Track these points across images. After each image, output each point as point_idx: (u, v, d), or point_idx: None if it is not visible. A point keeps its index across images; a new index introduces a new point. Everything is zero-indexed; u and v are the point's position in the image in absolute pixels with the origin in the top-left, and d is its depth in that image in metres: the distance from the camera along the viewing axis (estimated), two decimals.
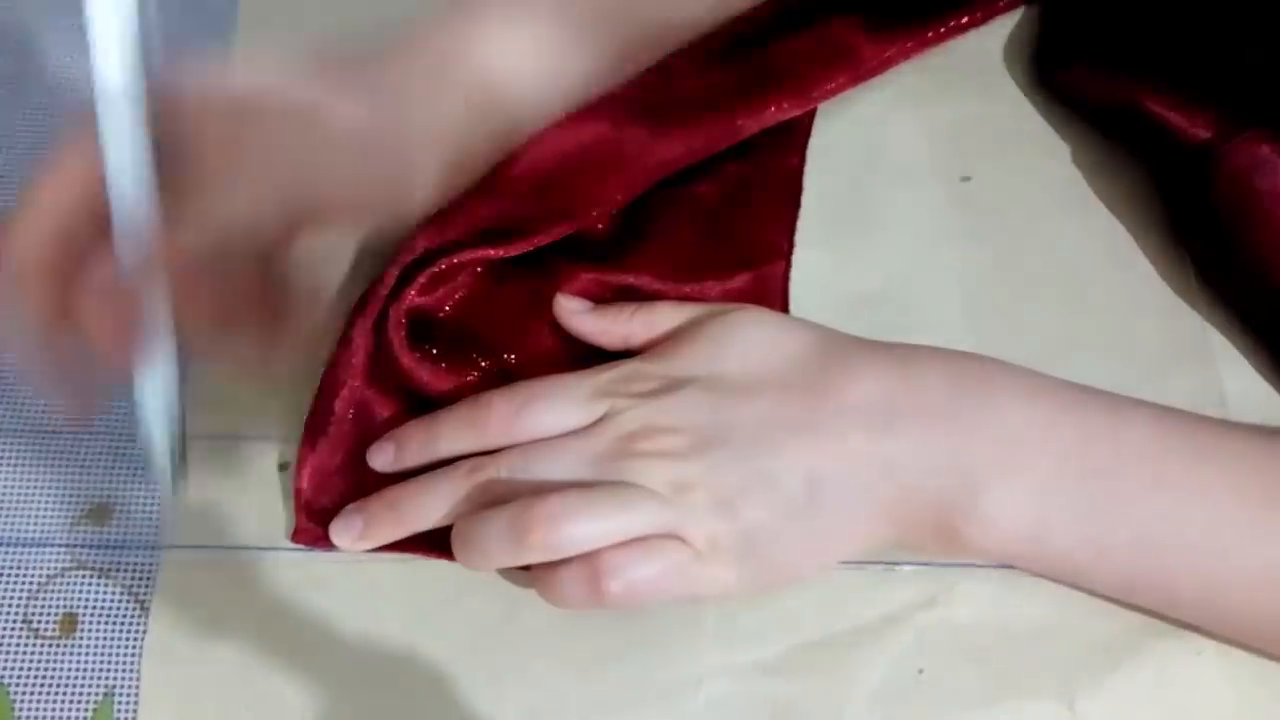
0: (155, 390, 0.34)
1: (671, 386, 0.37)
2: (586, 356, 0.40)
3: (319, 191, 0.36)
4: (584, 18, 0.41)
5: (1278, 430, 0.37)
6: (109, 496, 0.39)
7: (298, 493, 0.38)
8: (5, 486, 0.39)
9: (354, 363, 0.39)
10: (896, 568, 0.39)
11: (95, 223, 0.31)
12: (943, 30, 0.46)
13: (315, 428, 0.39)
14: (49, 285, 0.32)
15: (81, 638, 0.37)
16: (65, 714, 0.36)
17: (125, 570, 0.38)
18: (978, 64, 0.48)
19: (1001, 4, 0.48)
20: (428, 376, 0.40)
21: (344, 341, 0.40)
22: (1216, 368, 0.42)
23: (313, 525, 0.38)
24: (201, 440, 0.40)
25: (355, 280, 0.42)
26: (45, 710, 0.36)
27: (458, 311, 0.41)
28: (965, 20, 0.47)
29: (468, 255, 0.40)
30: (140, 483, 0.39)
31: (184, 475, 0.36)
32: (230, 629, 0.37)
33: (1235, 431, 0.37)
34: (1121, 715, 0.37)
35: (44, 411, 0.40)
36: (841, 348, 0.38)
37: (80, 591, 0.38)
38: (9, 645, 0.37)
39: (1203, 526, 0.35)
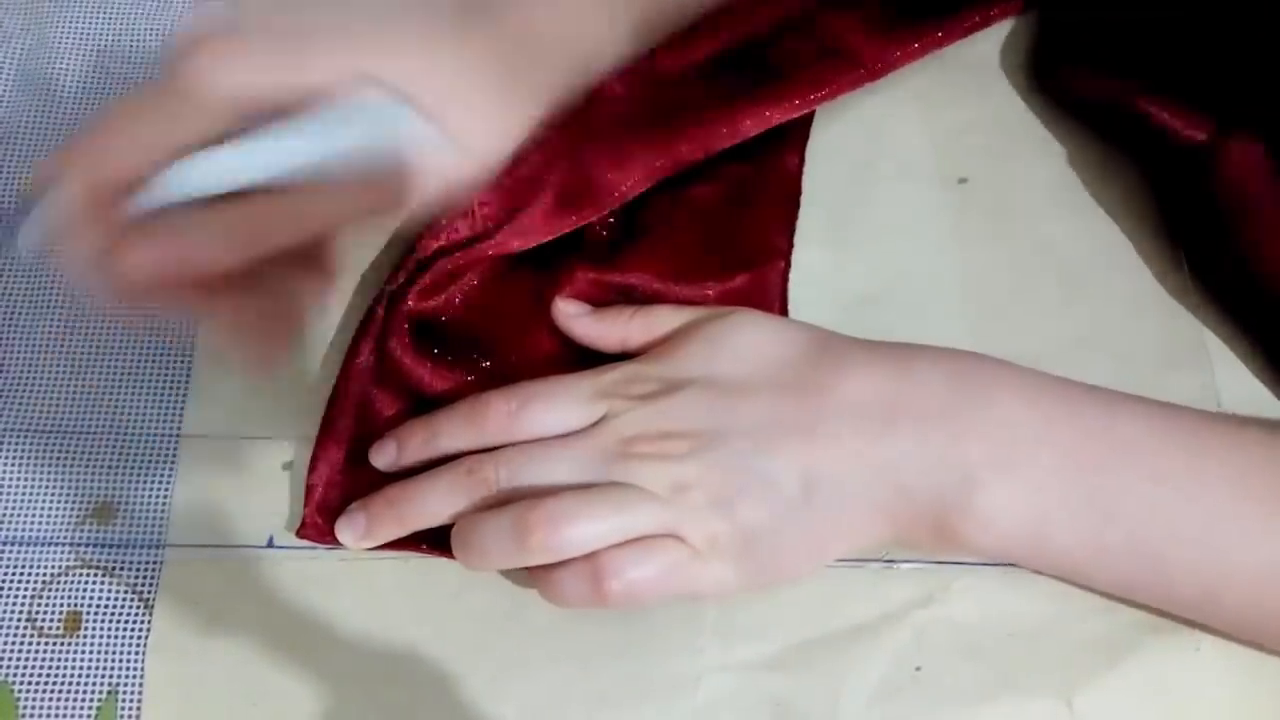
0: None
1: (670, 389, 0.38)
2: (586, 358, 0.40)
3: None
4: None
5: (1278, 425, 0.37)
6: (113, 495, 0.39)
7: (310, 489, 0.38)
8: (10, 486, 0.40)
9: (359, 363, 0.40)
10: (894, 566, 0.39)
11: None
12: (943, 34, 0.46)
13: (328, 426, 0.39)
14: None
15: (85, 636, 0.38)
16: (69, 712, 0.37)
17: (129, 568, 0.38)
18: (975, 66, 0.48)
19: (996, 11, 0.48)
20: (429, 376, 0.40)
21: (354, 342, 0.40)
22: (1213, 369, 0.42)
23: (319, 521, 0.38)
24: (206, 439, 0.40)
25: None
26: (49, 708, 0.37)
27: (459, 312, 0.41)
28: (967, 24, 0.47)
29: (473, 254, 0.40)
30: (144, 482, 0.40)
31: None
32: (233, 627, 0.38)
33: (1235, 426, 0.37)
34: (1120, 712, 0.37)
35: (49, 411, 0.41)
36: (837, 348, 0.39)
37: (84, 590, 0.38)
38: (14, 644, 0.37)
39: (1202, 522, 0.35)
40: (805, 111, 0.44)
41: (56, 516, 0.39)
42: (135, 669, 0.37)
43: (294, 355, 0.41)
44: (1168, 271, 0.44)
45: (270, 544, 0.39)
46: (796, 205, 0.45)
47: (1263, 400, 0.42)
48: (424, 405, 0.40)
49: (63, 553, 0.39)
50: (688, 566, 0.36)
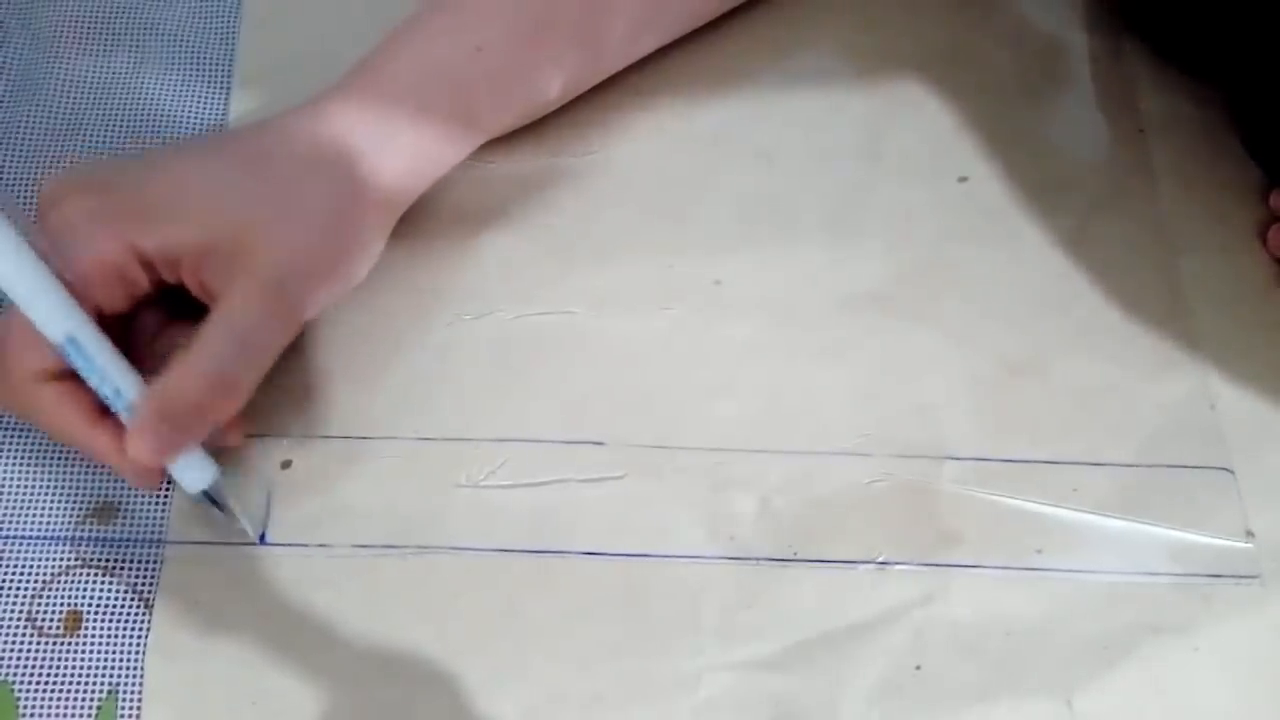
0: (196, 477, 0.37)
1: None
2: None
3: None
4: None
5: None
6: (114, 494, 0.39)
7: None
8: (11, 484, 0.40)
9: None
10: (888, 567, 0.39)
11: None
12: None
13: None
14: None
15: (86, 635, 0.38)
16: (69, 711, 0.37)
17: (129, 567, 0.38)
18: (975, 64, 0.48)
19: None
20: None
21: None
22: (1208, 373, 0.43)
23: None
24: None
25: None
26: (50, 708, 0.37)
27: None
28: None
29: None
30: None
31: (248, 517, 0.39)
32: (233, 626, 0.38)
33: None
34: (1119, 712, 0.37)
35: None
36: None
37: (85, 589, 0.38)
38: (14, 643, 0.37)
39: None
40: None
41: (57, 515, 0.39)
42: (135, 669, 0.37)
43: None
44: (1166, 275, 0.44)
45: (261, 540, 0.39)
46: None
47: (1257, 404, 0.42)
48: None
49: (63, 552, 0.39)
50: None
